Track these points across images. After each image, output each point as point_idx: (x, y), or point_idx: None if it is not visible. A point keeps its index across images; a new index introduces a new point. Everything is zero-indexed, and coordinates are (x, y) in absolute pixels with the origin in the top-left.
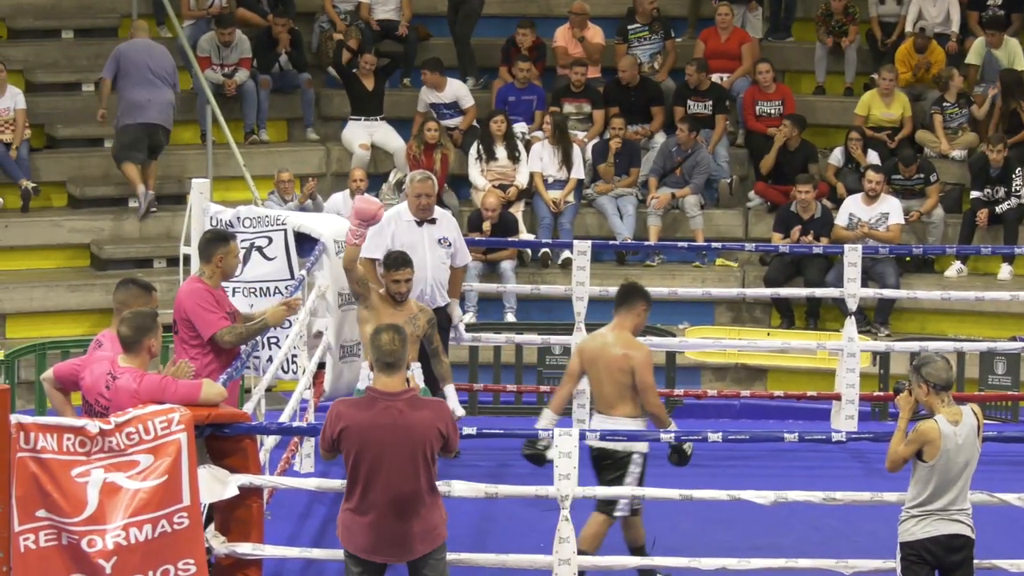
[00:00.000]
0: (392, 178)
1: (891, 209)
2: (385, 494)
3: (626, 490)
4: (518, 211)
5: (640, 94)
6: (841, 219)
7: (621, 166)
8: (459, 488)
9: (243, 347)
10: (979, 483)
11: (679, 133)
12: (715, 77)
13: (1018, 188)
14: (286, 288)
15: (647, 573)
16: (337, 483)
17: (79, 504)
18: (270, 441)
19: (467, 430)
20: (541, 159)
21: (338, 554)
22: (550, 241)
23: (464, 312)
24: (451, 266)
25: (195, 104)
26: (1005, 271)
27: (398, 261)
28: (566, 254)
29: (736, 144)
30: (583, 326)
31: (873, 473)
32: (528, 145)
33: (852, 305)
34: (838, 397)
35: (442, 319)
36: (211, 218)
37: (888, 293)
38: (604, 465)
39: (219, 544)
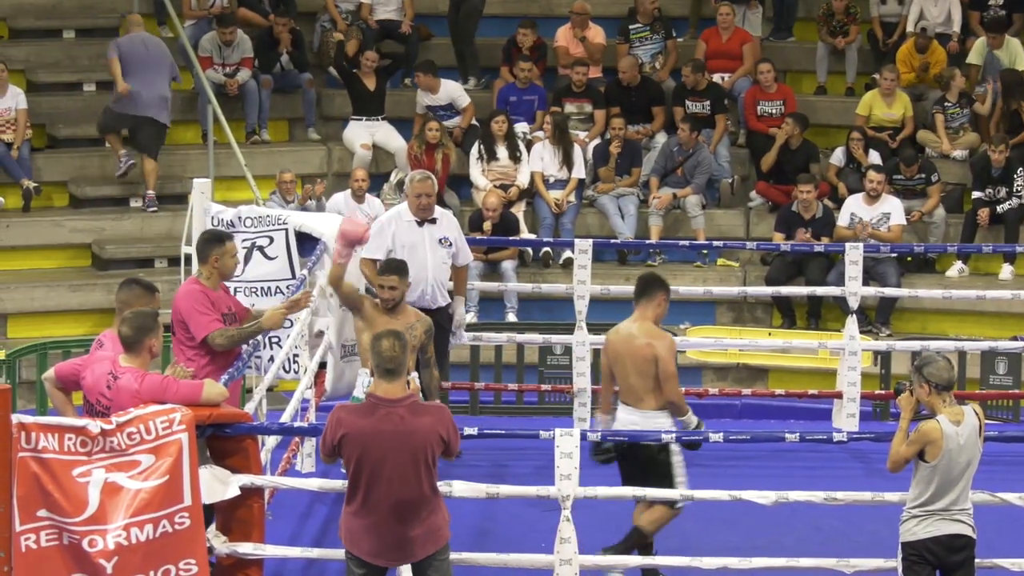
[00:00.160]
0: (393, 178)
1: (892, 209)
2: (387, 499)
3: (627, 490)
4: (519, 211)
5: (641, 94)
6: (843, 219)
7: (622, 166)
8: (460, 488)
9: (244, 347)
10: (980, 483)
11: (680, 133)
12: (716, 77)
13: (1019, 188)
14: (287, 287)
15: (650, 573)
16: (338, 483)
17: (80, 504)
18: (271, 441)
19: (468, 430)
20: (542, 159)
21: (339, 554)
22: (551, 240)
23: (466, 312)
24: (453, 265)
25: (196, 104)
26: (1006, 271)
27: (384, 267)
28: (567, 254)
29: (737, 144)
30: (584, 325)
31: (874, 473)
32: (529, 145)
33: (853, 304)
34: (839, 396)
35: (443, 319)
36: (212, 218)
37: (889, 292)
38: (643, 459)
39: (220, 544)
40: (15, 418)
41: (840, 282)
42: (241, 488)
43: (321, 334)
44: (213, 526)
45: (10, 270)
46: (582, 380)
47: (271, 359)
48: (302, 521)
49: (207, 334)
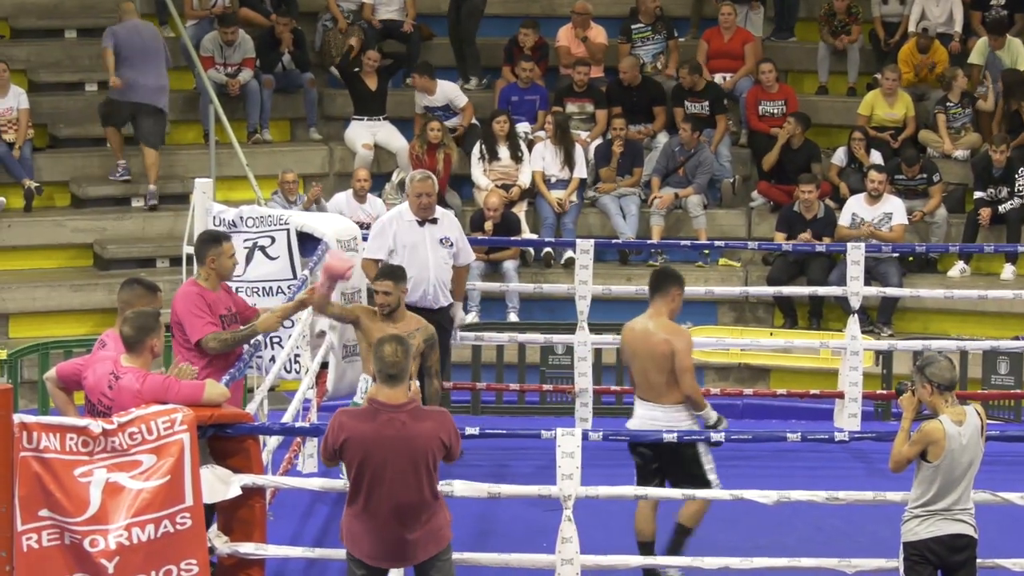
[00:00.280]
0: (395, 178)
1: (894, 209)
2: (388, 503)
3: (628, 490)
4: (521, 211)
5: (642, 94)
6: (844, 219)
7: (624, 166)
8: (461, 488)
9: (246, 347)
10: (982, 483)
11: (682, 133)
12: (718, 77)
13: (1020, 188)
14: (289, 287)
15: (652, 573)
16: (340, 483)
17: (82, 504)
18: (273, 441)
19: (470, 430)
20: (543, 159)
21: (341, 554)
22: (553, 240)
23: (467, 312)
24: (454, 265)
25: (198, 104)
26: (1008, 271)
27: (379, 272)
28: (569, 253)
29: (739, 144)
30: (586, 325)
31: (876, 473)
32: (531, 145)
33: (855, 304)
34: (841, 396)
35: (444, 319)
36: (214, 218)
37: (891, 292)
38: (670, 452)
39: (222, 544)
40: (17, 418)
41: (842, 282)
42: (243, 488)
43: (323, 334)
44: (215, 526)
45: (12, 270)
46: (584, 380)
47: (272, 359)
48: (303, 521)
49: (200, 338)
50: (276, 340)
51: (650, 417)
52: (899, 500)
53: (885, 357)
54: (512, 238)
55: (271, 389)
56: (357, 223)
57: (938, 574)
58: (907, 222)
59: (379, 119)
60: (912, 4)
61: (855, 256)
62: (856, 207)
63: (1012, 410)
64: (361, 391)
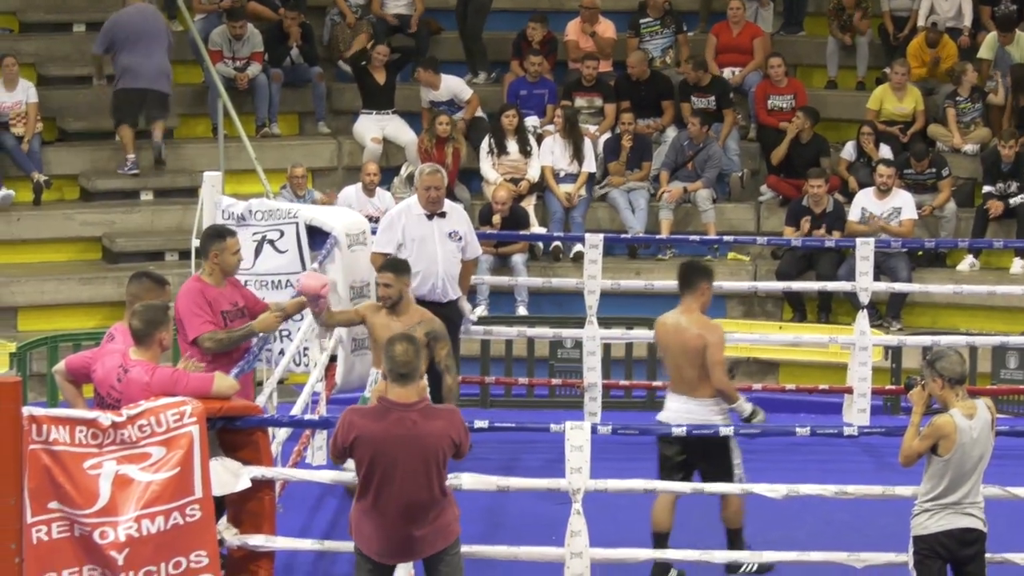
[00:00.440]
0: (404, 172)
1: (903, 203)
2: (397, 502)
3: (638, 483)
4: (530, 205)
5: (650, 88)
6: (854, 213)
7: (632, 160)
8: (470, 481)
9: (254, 340)
10: (991, 477)
11: (690, 127)
12: (726, 71)
13: None
14: (297, 281)
15: (662, 567)
16: (349, 476)
17: (91, 496)
18: (282, 434)
19: (479, 423)
20: (552, 153)
21: (350, 546)
22: (562, 235)
23: (476, 305)
24: (462, 259)
25: (207, 98)
26: (1017, 265)
27: (382, 265)
28: (578, 247)
29: (748, 138)
30: (595, 319)
31: (885, 467)
32: (539, 139)
33: (864, 299)
34: (850, 391)
35: (453, 313)
36: (223, 211)
37: (900, 287)
38: (701, 444)
39: (231, 536)
40: (26, 410)
41: (851, 276)
42: (252, 480)
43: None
44: (224, 518)
45: (21, 263)
46: (593, 374)
47: (282, 352)
48: (313, 513)
49: (196, 336)
50: (285, 333)
51: (684, 410)
52: (908, 494)
53: (894, 352)
54: (521, 232)
55: (280, 382)
56: (366, 217)
57: (947, 568)
58: (916, 216)
59: (388, 113)
60: None
61: (864, 251)
62: (865, 201)
63: (1021, 405)
64: (370, 383)
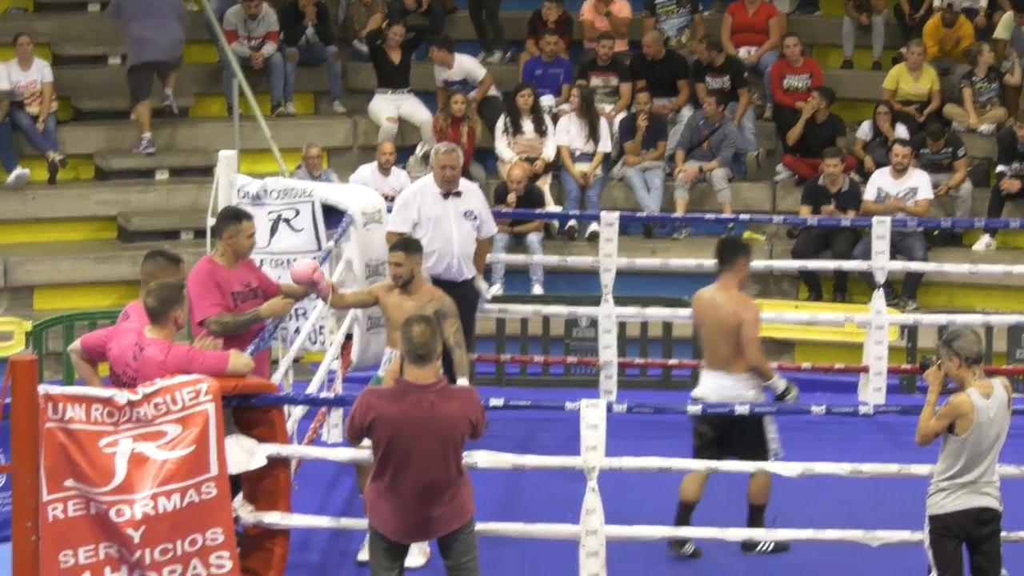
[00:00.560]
0: (419, 151)
1: (919, 183)
2: (415, 483)
3: (653, 462)
4: (545, 184)
5: (665, 68)
6: (870, 193)
7: (648, 140)
8: (486, 460)
9: (268, 320)
10: (1007, 456)
11: (706, 107)
12: (742, 51)
13: None
14: (313, 259)
15: (678, 543)
16: (365, 454)
17: (107, 474)
18: (297, 412)
19: (494, 402)
20: (568, 132)
21: (365, 524)
22: (577, 213)
23: (491, 284)
24: (477, 238)
25: (222, 77)
26: None
27: (393, 244)
28: (593, 227)
29: (763, 117)
30: (610, 298)
31: (901, 446)
32: (555, 118)
33: (880, 278)
34: (866, 370)
35: (469, 292)
36: (238, 190)
37: (916, 266)
38: (735, 425)
39: (247, 514)
40: (42, 389)
41: (867, 256)
42: (268, 458)
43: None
44: (240, 496)
45: (36, 242)
46: (608, 352)
47: (297, 331)
48: (328, 491)
49: (202, 319)
50: (301, 312)
51: (718, 386)
52: (924, 473)
53: (910, 331)
54: (536, 211)
55: (296, 360)
56: (381, 196)
57: (963, 547)
58: (932, 196)
59: (403, 92)
60: None
61: (880, 230)
62: (881, 181)
63: None
64: (385, 362)
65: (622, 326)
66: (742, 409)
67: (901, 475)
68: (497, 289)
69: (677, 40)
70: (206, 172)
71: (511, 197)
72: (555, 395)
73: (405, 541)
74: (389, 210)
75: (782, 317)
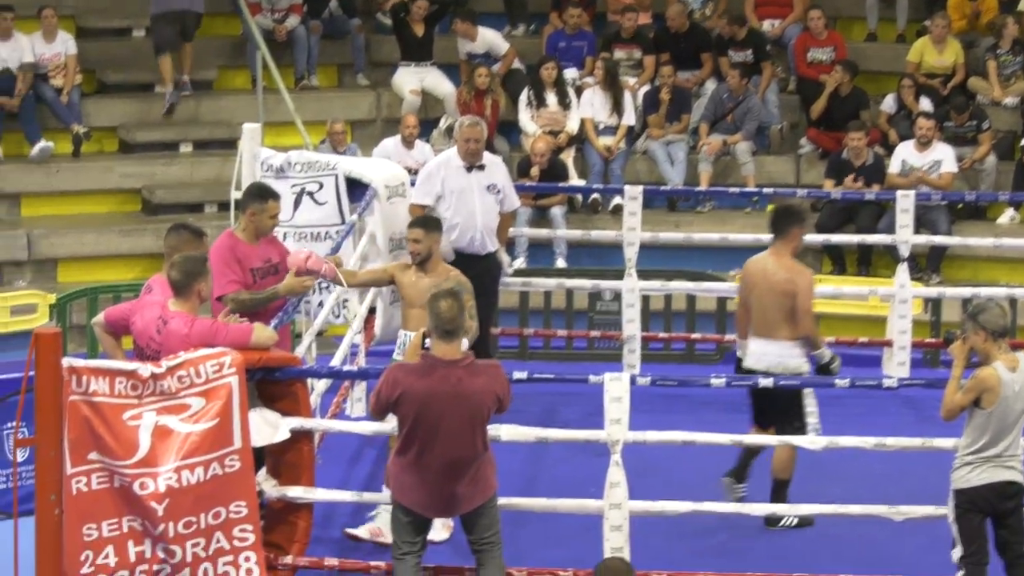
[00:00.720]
0: (443, 124)
1: (943, 156)
2: (441, 458)
3: (677, 435)
4: (569, 157)
5: (689, 41)
6: (894, 166)
7: (672, 113)
8: (509, 433)
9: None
10: None
11: (730, 80)
12: (766, 24)
13: None
14: (337, 233)
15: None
16: (388, 428)
17: (131, 447)
18: (321, 385)
19: (517, 375)
20: (592, 105)
21: (388, 498)
22: (601, 187)
23: (514, 258)
24: (500, 211)
25: (245, 50)
26: None
27: (413, 221)
28: (617, 200)
29: (787, 91)
30: (634, 272)
31: (925, 420)
32: (579, 91)
33: (904, 252)
34: (889, 344)
35: (492, 265)
36: (262, 163)
37: (940, 240)
38: (771, 394)
39: (270, 487)
40: (66, 362)
41: (891, 229)
42: (291, 431)
43: None
44: (263, 470)
45: (60, 215)
46: (632, 326)
47: (320, 304)
48: (351, 465)
49: (220, 296)
50: (324, 285)
51: (762, 352)
52: (948, 447)
53: (934, 304)
54: (560, 184)
55: (319, 334)
56: (405, 169)
57: (987, 522)
58: (956, 169)
59: (426, 65)
60: None
61: (904, 204)
62: (905, 154)
63: None
64: (400, 346)
65: (646, 299)
66: (766, 382)
67: (925, 449)
68: (520, 262)
69: (701, 13)
70: (230, 145)
71: (534, 170)
72: (578, 369)
73: (430, 515)
74: (412, 183)
75: None
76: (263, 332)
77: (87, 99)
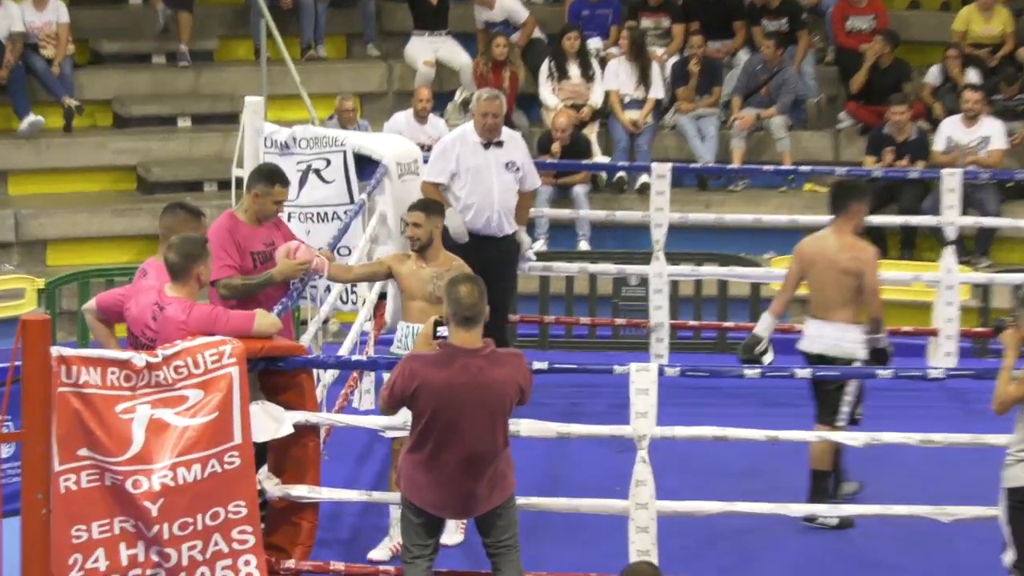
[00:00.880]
0: (458, 97)
1: (992, 131)
2: (460, 454)
3: (707, 430)
4: (592, 132)
5: (720, 8)
6: (939, 142)
7: (703, 85)
8: (529, 428)
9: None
10: None
11: (764, 50)
12: None
13: None
14: (345, 212)
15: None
16: (399, 421)
17: (124, 442)
18: (327, 376)
19: (537, 365)
20: (617, 77)
21: (399, 497)
22: (627, 164)
23: (534, 240)
24: (519, 191)
25: (248, 18)
26: None
27: (414, 204)
28: (644, 178)
29: (825, 62)
30: (662, 255)
31: (974, 414)
32: (603, 62)
33: (951, 234)
34: (935, 333)
35: (510, 248)
36: (266, 139)
37: (989, 221)
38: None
39: (272, 486)
40: (55, 350)
41: (935, 210)
42: (295, 426)
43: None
44: (265, 467)
45: (50, 194)
46: (659, 314)
47: (328, 289)
48: (360, 462)
49: (214, 280)
50: None
51: (817, 335)
52: (1000, 443)
53: (983, 290)
54: (583, 161)
55: (326, 321)
56: (418, 145)
57: None
58: (1006, 145)
59: (441, 34)
60: None
61: (950, 183)
62: (951, 130)
63: None
64: (399, 340)
65: (674, 285)
66: (803, 373)
67: (975, 445)
68: (540, 245)
69: None
70: (231, 120)
71: (556, 147)
72: (602, 359)
73: (444, 516)
74: (426, 160)
75: None
76: (266, 319)
77: (79, 70)
